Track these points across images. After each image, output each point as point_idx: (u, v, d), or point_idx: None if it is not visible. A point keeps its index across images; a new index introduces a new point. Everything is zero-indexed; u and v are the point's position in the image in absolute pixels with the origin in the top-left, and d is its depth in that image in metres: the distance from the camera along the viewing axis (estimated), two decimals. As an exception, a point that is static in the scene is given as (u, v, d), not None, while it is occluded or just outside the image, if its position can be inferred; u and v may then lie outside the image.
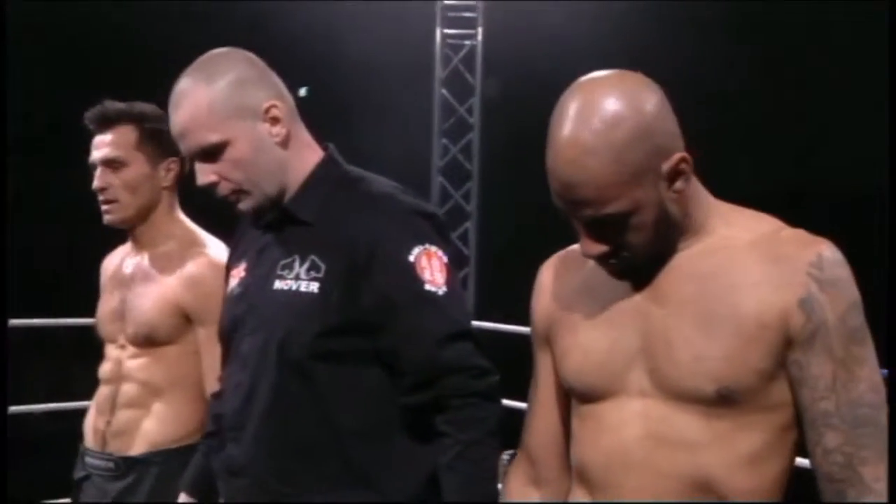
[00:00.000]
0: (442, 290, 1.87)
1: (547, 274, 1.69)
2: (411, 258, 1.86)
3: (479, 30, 8.71)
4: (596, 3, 8.66)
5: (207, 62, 1.93)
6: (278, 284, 1.91)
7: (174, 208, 2.63)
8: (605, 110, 1.43)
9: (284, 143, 1.93)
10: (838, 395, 1.44)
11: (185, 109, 1.89)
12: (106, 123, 2.57)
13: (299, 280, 1.89)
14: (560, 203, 1.47)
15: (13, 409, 4.03)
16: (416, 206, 1.94)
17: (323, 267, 1.88)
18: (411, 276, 1.85)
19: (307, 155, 1.98)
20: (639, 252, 1.49)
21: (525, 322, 1.79)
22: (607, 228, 1.47)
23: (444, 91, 8.77)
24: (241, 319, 1.98)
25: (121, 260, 2.68)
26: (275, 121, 1.91)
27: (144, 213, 2.58)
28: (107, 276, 2.72)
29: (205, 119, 1.87)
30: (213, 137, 1.87)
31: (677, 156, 1.46)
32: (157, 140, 2.55)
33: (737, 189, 1.61)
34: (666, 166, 1.45)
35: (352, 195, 1.94)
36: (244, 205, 1.93)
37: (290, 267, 1.92)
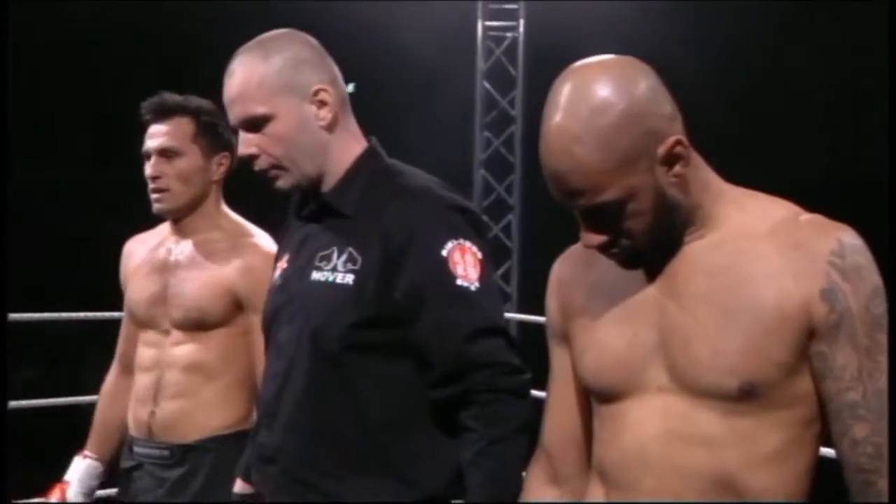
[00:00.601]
0: (475, 286, 1.88)
1: (560, 269, 1.65)
2: (444, 252, 1.87)
3: (521, 21, 8.69)
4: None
5: (267, 40, 1.98)
6: (315, 275, 1.94)
7: (220, 202, 2.69)
8: (593, 97, 1.39)
9: (329, 127, 1.96)
10: (864, 385, 1.40)
11: (237, 79, 1.94)
12: (163, 114, 2.63)
13: (336, 272, 1.92)
14: (555, 194, 1.43)
15: (62, 400, 4.13)
16: (452, 200, 1.95)
17: (360, 259, 1.91)
18: (443, 271, 1.87)
19: (351, 144, 2.00)
20: (640, 240, 1.44)
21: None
22: (604, 217, 1.43)
23: (486, 84, 8.75)
24: (279, 309, 2.01)
25: (156, 246, 2.70)
26: (322, 104, 1.95)
27: (194, 205, 2.63)
28: (135, 262, 2.73)
29: (254, 90, 1.92)
30: (259, 109, 1.92)
31: (672, 139, 1.41)
32: (212, 134, 2.62)
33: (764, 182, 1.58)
34: (661, 150, 1.41)
35: (390, 188, 1.96)
36: (282, 182, 1.96)
37: (328, 258, 1.94)
